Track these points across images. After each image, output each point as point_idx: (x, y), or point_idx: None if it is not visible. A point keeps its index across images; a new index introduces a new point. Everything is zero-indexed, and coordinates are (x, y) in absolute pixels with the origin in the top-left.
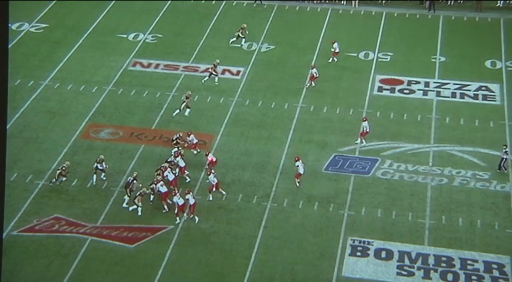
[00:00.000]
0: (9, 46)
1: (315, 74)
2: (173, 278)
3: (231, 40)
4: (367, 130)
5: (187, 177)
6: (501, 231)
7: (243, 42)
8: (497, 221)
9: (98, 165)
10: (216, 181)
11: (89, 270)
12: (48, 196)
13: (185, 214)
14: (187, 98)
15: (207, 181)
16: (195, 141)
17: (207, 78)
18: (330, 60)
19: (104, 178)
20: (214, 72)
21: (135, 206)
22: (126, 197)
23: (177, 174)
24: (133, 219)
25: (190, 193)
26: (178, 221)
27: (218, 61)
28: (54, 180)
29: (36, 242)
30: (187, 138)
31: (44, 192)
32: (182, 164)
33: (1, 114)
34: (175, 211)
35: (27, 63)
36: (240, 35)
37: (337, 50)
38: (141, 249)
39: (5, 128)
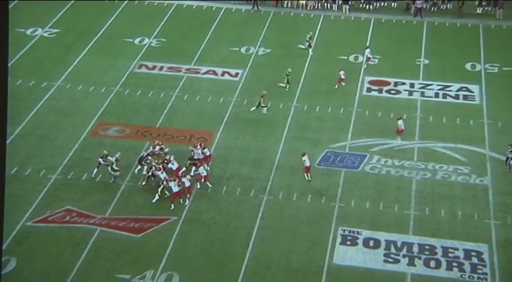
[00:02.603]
0: (24, 50)
1: (342, 76)
2: (176, 265)
3: (302, 47)
4: (402, 128)
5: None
6: (480, 221)
7: (310, 51)
8: (476, 212)
9: (101, 160)
10: (205, 173)
11: (98, 259)
12: (60, 189)
13: (186, 199)
14: (262, 96)
15: (197, 172)
16: (208, 153)
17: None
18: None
19: (112, 173)
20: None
21: (157, 197)
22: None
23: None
24: (139, 211)
25: (187, 176)
26: (173, 207)
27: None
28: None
29: (49, 232)
30: (198, 150)
31: (56, 186)
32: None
33: (1, 114)
34: (171, 198)
35: (40, 65)
36: (307, 43)
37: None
38: (147, 239)
39: (5, 128)
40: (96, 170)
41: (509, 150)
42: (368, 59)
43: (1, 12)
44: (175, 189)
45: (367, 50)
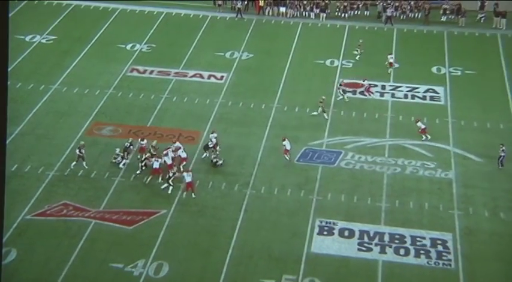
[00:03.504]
0: (23, 55)
1: (391, 60)
2: (166, 255)
3: (355, 52)
4: (423, 127)
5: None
6: (445, 212)
7: (357, 57)
8: (441, 204)
9: (77, 151)
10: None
11: (93, 249)
12: (58, 185)
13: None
14: (320, 102)
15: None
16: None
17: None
18: (389, 71)
19: (86, 167)
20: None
21: (166, 184)
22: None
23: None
24: (131, 205)
25: (188, 172)
26: (165, 185)
27: (324, 98)
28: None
29: (47, 225)
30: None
31: (53, 182)
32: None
33: (1, 114)
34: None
35: (38, 70)
36: (358, 47)
37: (391, 61)
38: (138, 231)
39: (5, 128)
40: (75, 162)
41: (501, 149)
42: (391, 64)
43: (1, 12)
44: (156, 165)
45: (390, 56)
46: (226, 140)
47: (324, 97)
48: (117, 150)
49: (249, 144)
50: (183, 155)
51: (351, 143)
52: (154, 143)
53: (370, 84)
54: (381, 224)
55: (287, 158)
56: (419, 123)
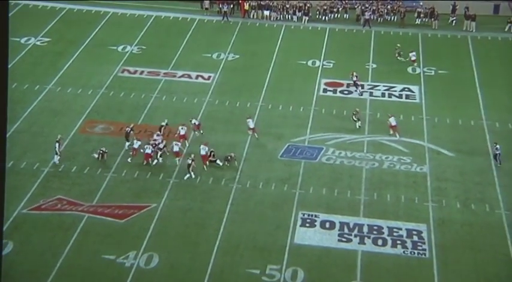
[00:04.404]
0: (19, 57)
1: (413, 58)
2: (156, 246)
3: (354, 120)
4: (394, 124)
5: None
6: (420, 204)
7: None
8: (417, 196)
9: (57, 145)
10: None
11: (86, 242)
12: (52, 180)
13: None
14: (354, 114)
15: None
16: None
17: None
18: (415, 65)
19: (58, 162)
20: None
21: (188, 175)
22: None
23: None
24: (123, 199)
25: (206, 145)
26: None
27: (358, 110)
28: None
29: (42, 219)
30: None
31: (48, 177)
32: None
33: (1, 113)
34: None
35: (33, 71)
36: (397, 50)
37: (413, 58)
38: (130, 224)
39: (5, 126)
40: (56, 156)
41: (495, 147)
42: (414, 60)
43: (1, 12)
44: (148, 150)
45: (412, 53)
46: (213, 137)
47: (357, 109)
48: (127, 145)
49: (235, 141)
50: (183, 132)
51: (332, 140)
52: (165, 122)
53: (357, 77)
54: (360, 216)
55: (256, 136)
56: (391, 119)
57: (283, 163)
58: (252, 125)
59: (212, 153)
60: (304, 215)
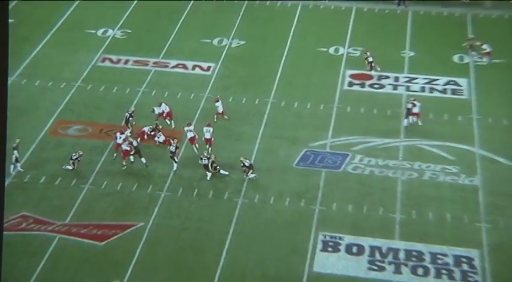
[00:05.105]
0: None
1: (488, 49)
2: (143, 275)
3: (469, 48)
4: (417, 111)
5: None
6: (470, 224)
7: (475, 55)
8: (466, 215)
9: (15, 152)
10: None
11: (57, 269)
12: (16, 193)
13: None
14: (409, 108)
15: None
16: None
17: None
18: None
19: (22, 170)
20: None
21: (210, 174)
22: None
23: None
24: (102, 217)
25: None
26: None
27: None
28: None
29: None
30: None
31: (10, 190)
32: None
33: (1, 113)
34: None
35: None
36: (468, 42)
37: (488, 50)
38: (111, 247)
39: (5, 127)
40: (13, 166)
41: None
42: (488, 53)
43: (1, 12)
44: (127, 148)
45: (486, 45)
46: (213, 141)
47: (413, 99)
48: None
49: (240, 146)
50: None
51: (359, 144)
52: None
53: (372, 57)
54: (395, 238)
55: (225, 117)
56: (416, 103)
57: (300, 173)
58: (220, 109)
59: (214, 166)
60: (325, 237)
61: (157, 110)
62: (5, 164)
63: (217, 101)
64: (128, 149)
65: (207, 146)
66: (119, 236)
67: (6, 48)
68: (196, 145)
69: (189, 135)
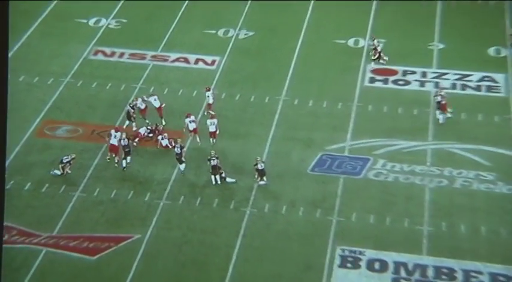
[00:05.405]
0: None
1: None
2: None
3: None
4: (211, 101)
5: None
6: (508, 238)
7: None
8: (503, 228)
9: None
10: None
11: None
12: None
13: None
14: (438, 101)
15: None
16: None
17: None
18: None
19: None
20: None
21: (218, 178)
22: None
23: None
24: (94, 228)
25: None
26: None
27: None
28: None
29: None
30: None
31: None
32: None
33: (1, 113)
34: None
35: None
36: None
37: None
38: (104, 261)
39: (5, 127)
40: None
41: None
42: None
43: (1, 12)
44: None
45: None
46: (218, 143)
47: (442, 91)
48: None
49: (248, 149)
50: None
51: (382, 148)
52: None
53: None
54: (423, 253)
55: (206, 113)
56: (443, 93)
57: (315, 179)
58: (211, 100)
59: (220, 172)
60: (344, 252)
61: (155, 104)
62: (5, 164)
63: (208, 90)
64: (116, 145)
65: (211, 139)
66: (113, 250)
67: (6, 48)
68: (198, 137)
69: (191, 126)
